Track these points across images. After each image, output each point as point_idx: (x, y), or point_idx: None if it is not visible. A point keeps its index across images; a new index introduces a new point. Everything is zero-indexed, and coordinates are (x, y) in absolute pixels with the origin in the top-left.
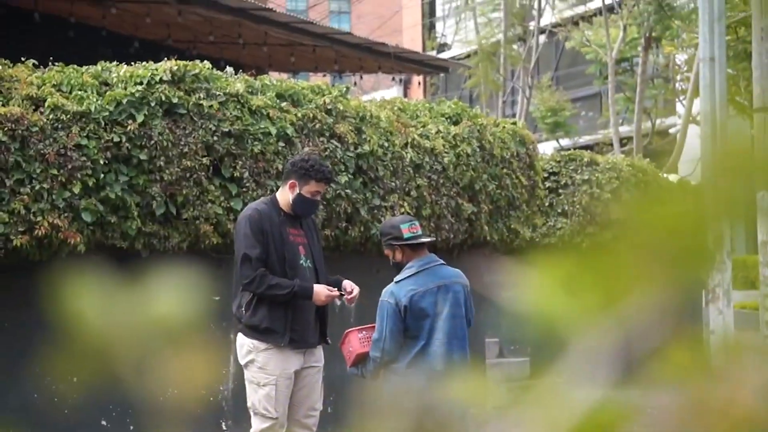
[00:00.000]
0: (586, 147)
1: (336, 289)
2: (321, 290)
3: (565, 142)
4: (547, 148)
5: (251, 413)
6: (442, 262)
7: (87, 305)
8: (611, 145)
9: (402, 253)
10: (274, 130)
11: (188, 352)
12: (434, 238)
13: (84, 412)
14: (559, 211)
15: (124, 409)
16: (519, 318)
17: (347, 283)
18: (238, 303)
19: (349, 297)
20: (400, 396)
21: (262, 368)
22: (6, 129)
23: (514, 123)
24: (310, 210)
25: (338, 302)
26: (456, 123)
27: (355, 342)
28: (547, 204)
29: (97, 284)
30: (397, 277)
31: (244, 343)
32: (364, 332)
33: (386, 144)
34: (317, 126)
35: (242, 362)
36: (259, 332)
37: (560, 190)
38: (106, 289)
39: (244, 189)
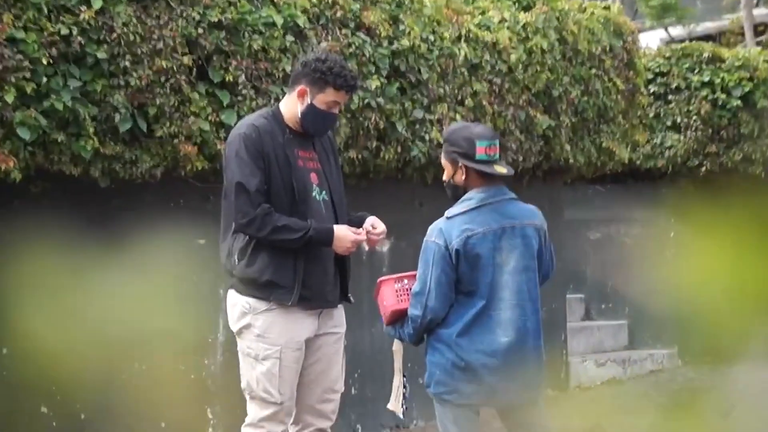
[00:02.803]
0: (707, 37)
1: (362, 229)
2: (344, 233)
3: (676, 31)
4: (651, 40)
5: (246, 397)
6: (514, 196)
7: (23, 260)
8: (742, 34)
9: (465, 175)
10: (279, 20)
11: (163, 314)
12: (513, 171)
13: (31, 396)
14: (669, 124)
15: (78, 393)
16: (615, 267)
17: (371, 220)
18: (229, 249)
19: (373, 235)
20: (450, 377)
21: (262, 336)
22: None
23: (607, 7)
24: (324, 126)
25: (365, 247)
26: (527, 8)
27: (390, 294)
28: (652, 115)
29: (37, 226)
30: (450, 211)
31: (237, 302)
32: (403, 282)
33: (432, 37)
34: (338, 13)
35: (234, 328)
36: (259, 287)
37: (670, 96)
38: (50, 233)
39: (239, 98)
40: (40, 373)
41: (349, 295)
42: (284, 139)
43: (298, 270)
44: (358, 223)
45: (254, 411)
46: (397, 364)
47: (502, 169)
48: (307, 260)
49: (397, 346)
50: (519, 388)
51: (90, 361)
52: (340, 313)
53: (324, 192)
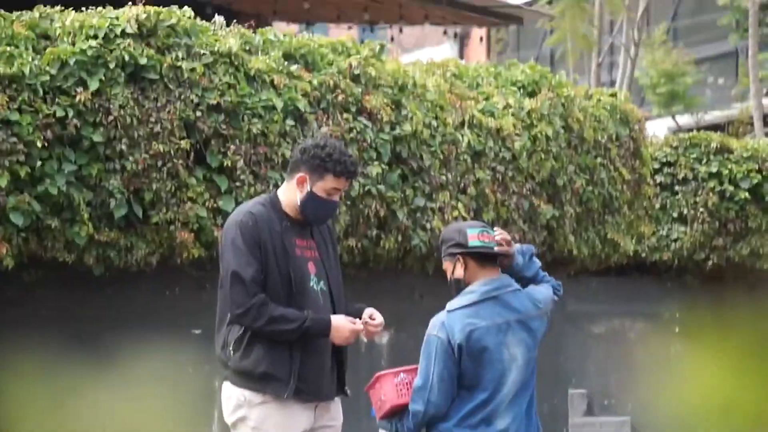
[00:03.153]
0: (715, 127)
1: (358, 320)
2: (342, 323)
3: (684, 119)
4: (659, 129)
5: None
6: (518, 287)
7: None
8: (751, 124)
9: (465, 267)
10: (280, 104)
11: (157, 406)
12: (511, 252)
13: None
14: (675, 215)
15: None
16: (618, 362)
17: (369, 311)
18: (224, 340)
19: (371, 326)
20: None
21: (257, 429)
22: None
23: (614, 94)
24: (324, 215)
25: (363, 338)
26: (532, 94)
27: (390, 389)
28: (658, 206)
29: (29, 315)
30: (451, 304)
31: (232, 394)
32: (402, 376)
33: (435, 123)
34: (339, 97)
35: (229, 421)
36: (254, 380)
37: (677, 187)
38: (42, 322)
39: (238, 183)
40: None
41: (346, 388)
42: (282, 228)
43: (294, 362)
44: (356, 315)
45: None
46: None
47: (498, 248)
48: (304, 352)
49: None
50: None
51: None
52: (336, 406)
53: (322, 282)
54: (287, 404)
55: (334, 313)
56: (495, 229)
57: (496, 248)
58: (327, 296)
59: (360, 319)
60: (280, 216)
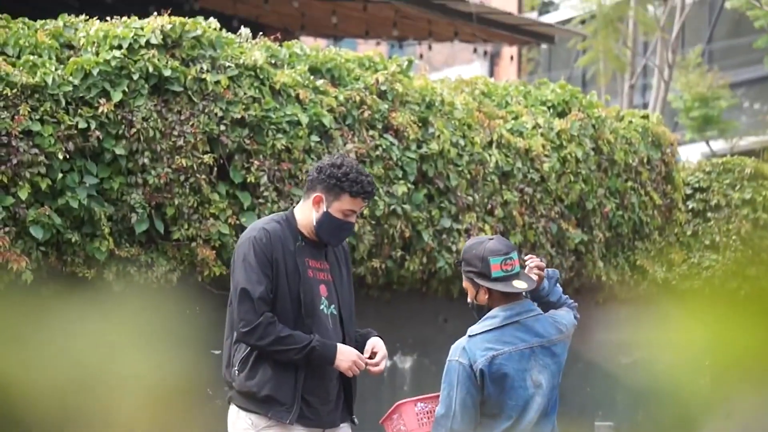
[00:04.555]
0: (750, 153)
1: (365, 355)
2: (347, 352)
3: (718, 145)
4: (692, 153)
5: None
6: (540, 312)
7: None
8: None
9: (488, 293)
10: (305, 119)
11: (175, 426)
12: (534, 283)
13: None
14: (707, 243)
15: None
16: (646, 394)
17: (372, 343)
18: (229, 359)
19: (373, 366)
20: None
21: None
22: None
23: (646, 116)
24: (340, 236)
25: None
26: (562, 115)
27: (411, 418)
28: (689, 233)
29: (49, 328)
30: (472, 329)
31: (238, 419)
32: (422, 404)
33: (462, 142)
34: (365, 114)
35: None
36: (257, 402)
37: (709, 214)
38: (62, 335)
39: (261, 200)
40: None
41: (354, 416)
42: (296, 247)
43: (299, 387)
44: (362, 341)
45: None
46: None
47: (521, 285)
48: (310, 377)
49: None
50: None
51: None
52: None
53: (333, 306)
54: (291, 430)
55: (343, 338)
56: (528, 256)
57: (521, 284)
58: (337, 321)
59: (364, 344)
60: (295, 235)
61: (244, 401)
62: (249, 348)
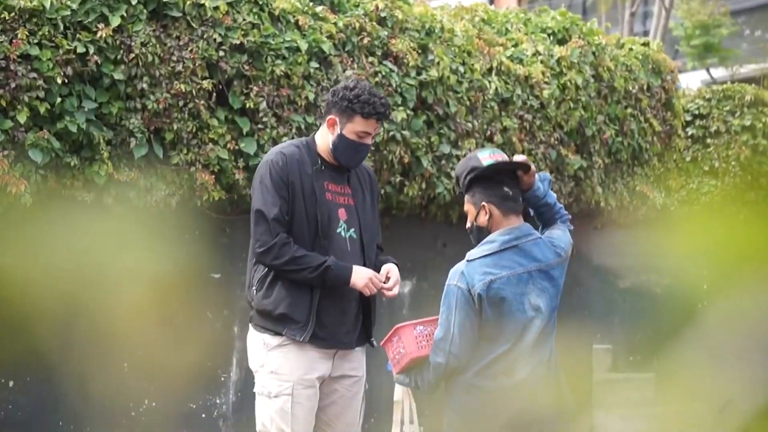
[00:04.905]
0: (750, 80)
1: (383, 276)
2: (363, 271)
3: (719, 72)
4: (692, 81)
5: None
6: (539, 235)
7: (32, 281)
8: None
9: (489, 215)
10: (304, 45)
11: (175, 350)
12: (531, 166)
13: (40, 415)
14: (706, 168)
15: (87, 420)
16: (645, 317)
17: (387, 268)
18: (249, 280)
19: (386, 290)
20: (469, 418)
21: (275, 372)
22: None
23: (646, 44)
24: (356, 157)
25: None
26: (562, 42)
27: (410, 341)
28: (688, 158)
29: (48, 248)
30: (471, 254)
31: (254, 340)
32: (421, 328)
33: (462, 69)
34: (365, 40)
35: (253, 367)
36: (272, 321)
37: (709, 140)
38: (60, 255)
39: (260, 126)
40: None
41: (372, 339)
42: (313, 171)
43: (314, 305)
44: (382, 266)
45: None
46: (397, 415)
47: (519, 157)
48: (325, 297)
49: (399, 397)
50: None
51: (101, 394)
52: (359, 356)
53: (352, 230)
54: (305, 348)
55: (364, 262)
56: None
57: (516, 157)
58: (356, 244)
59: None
60: (314, 158)
61: (261, 320)
62: (267, 268)
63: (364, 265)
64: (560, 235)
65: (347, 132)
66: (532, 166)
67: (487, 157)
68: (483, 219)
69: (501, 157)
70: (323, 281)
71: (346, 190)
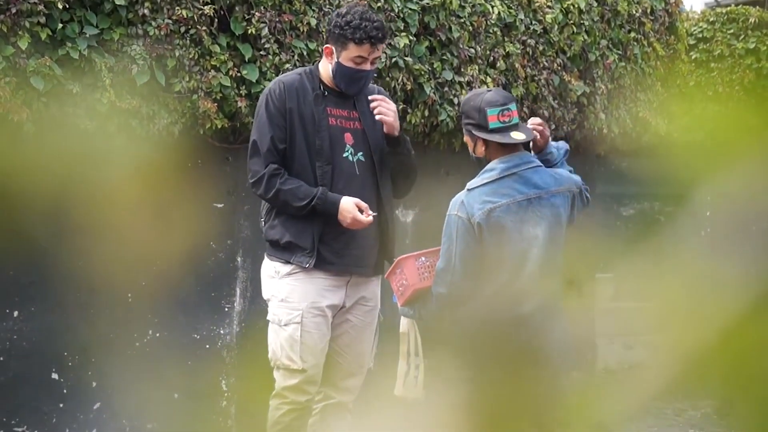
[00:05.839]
0: (754, 2)
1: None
2: (347, 208)
3: None
4: (696, 4)
5: (273, 367)
6: (539, 163)
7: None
8: None
9: (485, 145)
10: None
11: (178, 280)
12: (534, 135)
13: (45, 345)
14: (710, 93)
15: (92, 351)
16: (648, 246)
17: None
18: (260, 212)
19: (383, 106)
20: (471, 347)
21: (285, 300)
22: None
23: None
24: (356, 84)
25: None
26: None
27: (412, 272)
28: (692, 83)
29: (50, 177)
30: (471, 183)
31: (266, 268)
32: (424, 259)
33: None
34: None
35: (265, 296)
36: (280, 249)
37: (713, 64)
38: (64, 185)
39: (262, 52)
40: None
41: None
42: (315, 96)
43: (317, 232)
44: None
45: (279, 380)
46: (404, 347)
47: (519, 136)
48: (328, 223)
49: (404, 329)
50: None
51: (103, 325)
52: (372, 286)
53: (360, 153)
54: (314, 276)
55: (377, 184)
56: (530, 119)
57: (531, 121)
58: (367, 167)
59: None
60: (316, 85)
61: (272, 250)
62: None
63: (378, 188)
64: (565, 172)
65: (343, 59)
66: (546, 131)
67: (496, 117)
68: (480, 150)
69: (510, 116)
70: (314, 214)
71: (353, 114)
